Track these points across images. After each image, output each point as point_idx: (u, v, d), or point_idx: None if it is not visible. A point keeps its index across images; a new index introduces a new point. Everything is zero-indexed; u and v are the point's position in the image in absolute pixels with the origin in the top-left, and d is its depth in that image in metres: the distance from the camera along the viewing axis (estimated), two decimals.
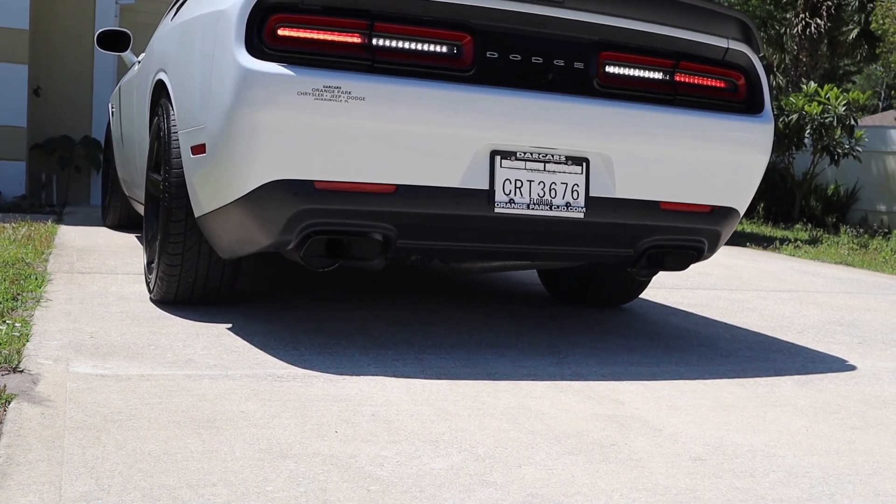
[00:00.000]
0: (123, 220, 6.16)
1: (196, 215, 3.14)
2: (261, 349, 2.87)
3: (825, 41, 16.79)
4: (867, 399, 2.88)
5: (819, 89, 11.66)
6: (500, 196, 2.89)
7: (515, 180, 2.90)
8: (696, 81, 3.18)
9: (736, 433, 2.37)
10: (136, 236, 5.88)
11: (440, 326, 3.48)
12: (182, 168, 3.19)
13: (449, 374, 2.75)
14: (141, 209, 4.60)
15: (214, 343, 2.90)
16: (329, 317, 3.51)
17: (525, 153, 2.92)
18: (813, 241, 10.12)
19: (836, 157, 11.79)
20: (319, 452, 1.97)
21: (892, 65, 13.59)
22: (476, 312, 3.91)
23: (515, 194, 2.90)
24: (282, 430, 2.10)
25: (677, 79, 3.15)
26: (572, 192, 2.98)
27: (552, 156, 2.96)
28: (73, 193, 9.44)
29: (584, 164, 3.00)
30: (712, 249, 3.41)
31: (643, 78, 3.11)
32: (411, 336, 3.25)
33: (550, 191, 2.95)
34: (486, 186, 2.87)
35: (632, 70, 3.08)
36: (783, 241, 9.89)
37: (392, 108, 2.73)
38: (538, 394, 2.60)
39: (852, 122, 11.51)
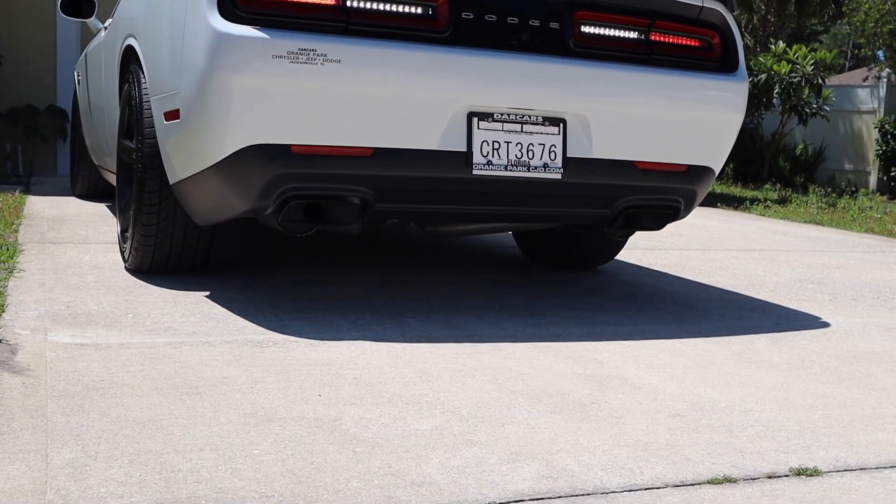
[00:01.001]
0: (93, 190, 6.09)
1: (171, 182, 3.10)
2: (240, 315, 2.87)
3: (793, 1, 16.84)
4: (839, 354, 2.93)
5: (787, 49, 11.71)
6: (477, 158, 2.88)
7: (493, 142, 2.90)
8: (671, 41, 3.19)
9: (713, 389, 2.41)
10: (107, 206, 5.82)
11: (418, 290, 3.49)
12: (155, 135, 3.14)
13: (429, 336, 2.77)
14: (111, 178, 4.55)
15: (193, 310, 2.89)
16: (307, 282, 3.51)
17: (502, 114, 2.92)
18: (782, 201, 10.21)
19: (804, 117, 11.88)
20: (304, 416, 1.98)
21: (858, 24, 13.66)
22: (453, 276, 3.92)
23: (493, 156, 2.91)
24: (265, 395, 2.10)
25: (652, 38, 3.15)
26: (550, 152, 2.99)
27: (529, 117, 2.96)
28: (40, 163, 9.31)
29: (562, 124, 3.00)
30: (688, 208, 3.44)
31: (618, 37, 3.10)
32: (389, 300, 3.26)
33: (528, 152, 2.96)
34: (463, 148, 2.87)
35: (607, 30, 3.08)
36: (753, 201, 9.98)
37: (368, 71, 2.72)
38: (518, 354, 2.62)
39: (820, 81, 11.59)
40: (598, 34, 3.06)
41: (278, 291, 3.29)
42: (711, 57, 3.26)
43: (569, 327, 3.03)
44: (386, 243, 4.80)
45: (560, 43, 2.99)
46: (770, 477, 1.83)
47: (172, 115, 2.94)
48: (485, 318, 3.07)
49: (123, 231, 3.53)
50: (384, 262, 4.20)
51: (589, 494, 1.68)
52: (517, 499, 1.63)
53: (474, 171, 2.89)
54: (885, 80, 14.10)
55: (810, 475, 1.85)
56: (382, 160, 2.80)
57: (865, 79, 15.99)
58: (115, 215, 3.75)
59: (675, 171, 3.27)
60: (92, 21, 5.47)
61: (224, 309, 2.94)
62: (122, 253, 3.52)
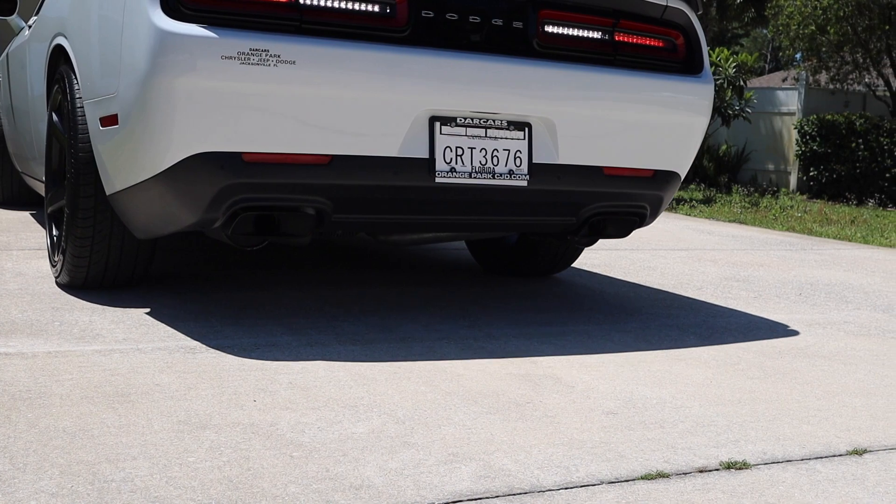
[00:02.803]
0: (15, 196, 5.92)
1: (108, 193, 2.91)
2: (172, 322, 2.82)
3: (714, 4, 17.22)
4: (765, 350, 3.01)
5: (710, 52, 11.97)
6: (440, 164, 2.77)
7: (456, 147, 2.79)
8: (635, 41, 3.11)
9: (645, 387, 2.46)
10: (31, 213, 5.68)
11: (352, 294, 3.48)
12: (90, 142, 2.96)
13: (363, 339, 2.76)
14: (36, 185, 4.39)
15: (122, 317, 2.84)
16: (239, 287, 3.47)
17: (465, 118, 2.81)
18: (707, 201, 10.43)
19: (727, 119, 12.16)
20: (239, 422, 1.96)
21: (782, 27, 14.04)
22: (388, 280, 3.92)
23: (457, 162, 2.79)
24: (199, 402, 2.08)
25: (617, 38, 3.07)
26: (515, 158, 2.89)
27: (493, 121, 2.86)
28: None
29: (527, 129, 2.91)
30: (654, 215, 3.37)
31: (583, 38, 3.01)
32: (323, 304, 3.25)
33: (493, 158, 2.85)
34: (425, 155, 2.75)
35: (571, 29, 2.99)
36: (679, 200, 10.17)
37: (325, 73, 2.59)
38: (453, 356, 2.63)
39: (742, 83, 11.88)
40: (563, 34, 2.97)
41: (210, 297, 3.25)
42: (676, 58, 3.20)
43: (502, 328, 3.05)
44: (320, 248, 4.78)
45: (524, 43, 2.89)
46: (701, 471, 1.87)
47: (109, 120, 2.77)
48: (419, 321, 3.07)
49: (54, 244, 3.32)
50: (319, 266, 4.18)
51: (526, 493, 1.70)
52: (455, 499, 1.64)
53: (437, 179, 2.77)
54: (803, 82, 14.51)
55: (739, 468, 1.90)
56: (340, 168, 2.67)
57: (784, 80, 16.43)
58: (45, 227, 3.59)
59: (641, 176, 3.20)
60: (14, 19, 5.27)
61: (155, 315, 2.89)
62: (53, 267, 3.29)
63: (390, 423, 2.02)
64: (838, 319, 3.66)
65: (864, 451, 2.06)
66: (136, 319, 2.82)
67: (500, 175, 2.86)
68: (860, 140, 12.40)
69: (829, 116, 12.93)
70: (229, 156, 2.56)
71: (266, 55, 2.49)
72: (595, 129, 3.03)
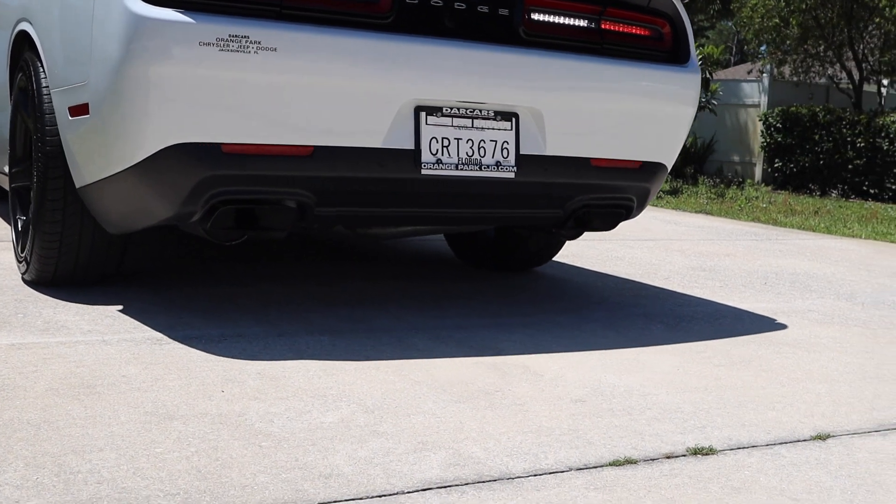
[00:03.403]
0: None
1: (77, 186, 2.79)
2: (138, 314, 2.80)
3: None
4: (731, 338, 3.04)
5: None
6: (426, 156, 2.69)
7: (442, 138, 2.72)
8: (622, 30, 3.04)
9: (613, 375, 2.47)
10: None
11: (322, 284, 3.47)
12: (58, 133, 2.83)
13: (332, 329, 2.76)
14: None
15: (87, 308, 2.81)
16: (206, 279, 3.44)
17: (451, 108, 2.74)
18: (674, 192, 10.51)
19: None
20: (208, 412, 1.95)
21: (746, 19, 14.15)
22: (356, 270, 3.91)
23: (443, 154, 2.72)
24: (167, 393, 2.06)
25: (604, 26, 3.00)
26: (502, 150, 2.82)
27: (480, 111, 2.78)
28: None
29: (514, 119, 2.84)
30: (640, 207, 3.31)
31: (570, 26, 2.94)
32: (292, 293, 3.23)
33: (479, 149, 2.78)
34: (411, 146, 2.67)
35: (558, 17, 2.92)
36: None
37: (307, 60, 2.51)
38: (422, 346, 2.64)
39: (708, 75, 11.96)
40: (550, 22, 2.90)
41: (176, 288, 3.22)
42: (662, 47, 3.14)
43: (471, 318, 3.06)
44: (288, 239, 4.75)
45: (510, 31, 2.81)
46: (668, 457, 1.89)
47: (80, 109, 2.65)
48: (388, 311, 3.07)
49: (20, 238, 3.17)
50: (287, 257, 4.16)
51: (495, 480, 1.70)
52: (424, 487, 1.65)
53: (423, 171, 2.69)
54: (767, 74, 14.64)
55: (706, 454, 1.92)
56: (323, 160, 2.58)
57: (750, 72, 16.57)
58: (9, 222, 3.49)
59: (628, 167, 3.14)
60: None
61: (120, 306, 2.87)
62: (20, 264, 3.14)
63: (359, 413, 2.02)
64: (802, 308, 3.71)
65: (828, 437, 2.09)
66: (102, 311, 2.79)
67: (488, 167, 2.79)
68: (823, 132, 12.55)
69: (794, 108, 13.07)
70: (207, 147, 2.46)
71: (246, 42, 2.41)
72: (583, 120, 2.98)
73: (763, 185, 13.41)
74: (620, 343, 2.86)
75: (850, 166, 12.21)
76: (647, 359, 2.68)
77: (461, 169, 2.76)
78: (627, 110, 3.07)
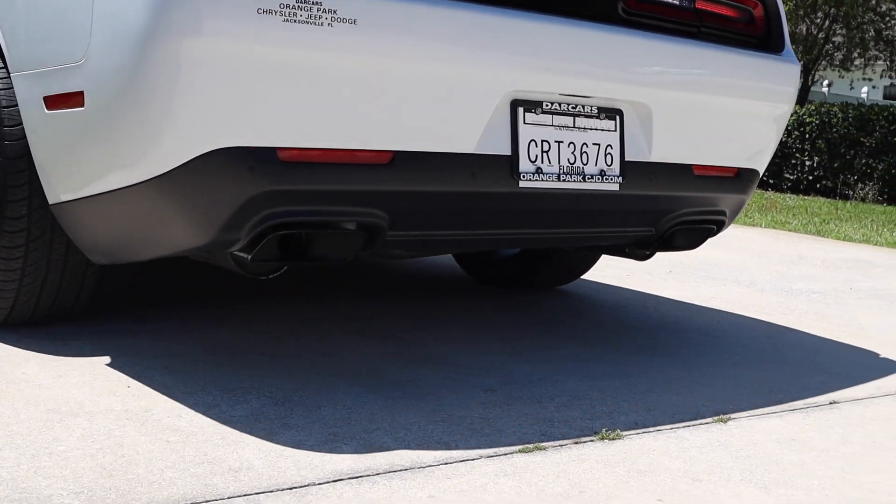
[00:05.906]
0: None
1: (51, 202, 2.16)
2: None
3: None
4: (637, 325, 3.12)
5: None
6: (524, 164, 2.17)
7: (542, 141, 2.21)
8: (717, 10, 2.57)
9: (523, 363, 2.51)
10: None
11: (241, 282, 3.43)
12: (23, 133, 2.17)
13: (246, 324, 2.72)
14: None
15: None
16: (116, 271, 3.36)
17: (552, 104, 2.22)
18: None
19: None
20: (113, 408, 1.91)
21: None
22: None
23: (543, 160, 2.21)
24: (70, 389, 2.01)
25: (698, 6, 2.51)
26: (606, 155, 2.32)
27: (583, 107, 2.29)
28: None
29: (618, 117, 2.34)
30: (729, 221, 2.86)
31: (668, 3, 2.45)
32: (213, 292, 3.18)
33: (581, 155, 2.28)
34: (507, 151, 2.15)
35: None
36: None
37: (395, 38, 1.95)
38: (334, 337, 2.63)
39: None
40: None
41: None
42: (754, 32, 2.65)
43: (388, 310, 3.06)
44: None
45: (610, 7, 2.30)
46: (577, 443, 1.93)
47: (63, 100, 2.01)
48: (307, 302, 3.05)
49: None
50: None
51: (407, 470, 1.71)
52: (336, 478, 1.65)
53: (521, 183, 2.17)
54: None
55: (613, 439, 1.96)
56: (403, 170, 2.03)
57: None
58: None
59: (726, 176, 2.69)
60: None
61: None
62: None
63: (269, 405, 2.00)
64: (706, 295, 3.82)
65: (729, 419, 2.16)
66: None
67: (591, 177, 2.29)
68: None
69: None
70: (260, 153, 1.86)
71: (319, 10, 1.82)
72: (690, 118, 2.50)
73: None
74: (529, 329, 2.89)
75: None
76: (556, 346, 2.72)
77: (563, 179, 2.25)
78: (729, 107, 2.60)
